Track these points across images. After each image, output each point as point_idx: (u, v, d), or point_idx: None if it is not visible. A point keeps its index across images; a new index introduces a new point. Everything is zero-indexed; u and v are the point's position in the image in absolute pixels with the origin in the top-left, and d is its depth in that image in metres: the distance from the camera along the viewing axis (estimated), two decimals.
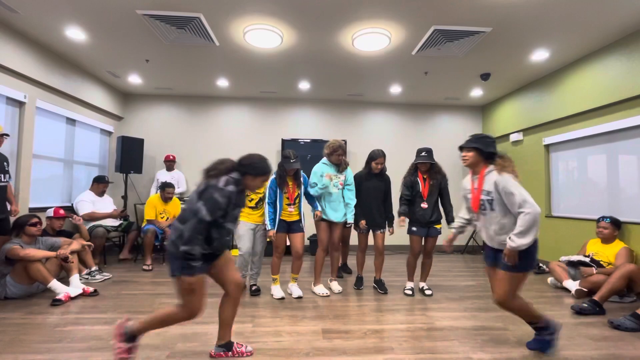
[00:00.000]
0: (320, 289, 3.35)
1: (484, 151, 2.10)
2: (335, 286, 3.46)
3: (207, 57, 4.30)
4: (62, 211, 3.69)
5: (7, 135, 3.18)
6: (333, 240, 3.43)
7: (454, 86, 5.26)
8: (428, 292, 3.40)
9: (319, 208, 3.35)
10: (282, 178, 3.15)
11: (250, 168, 1.90)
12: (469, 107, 6.35)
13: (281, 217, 3.20)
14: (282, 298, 3.17)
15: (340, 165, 3.39)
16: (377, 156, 3.43)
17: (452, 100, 6.03)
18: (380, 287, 3.47)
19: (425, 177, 3.37)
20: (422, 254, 3.48)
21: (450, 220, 3.28)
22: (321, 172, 3.34)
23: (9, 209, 3.28)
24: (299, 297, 3.19)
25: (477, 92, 5.52)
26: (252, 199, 3.26)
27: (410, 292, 3.38)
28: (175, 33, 3.63)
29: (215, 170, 1.85)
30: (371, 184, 3.49)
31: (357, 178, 3.55)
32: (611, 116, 3.85)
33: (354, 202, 3.43)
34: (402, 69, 4.62)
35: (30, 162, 3.94)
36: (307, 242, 5.72)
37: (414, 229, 3.37)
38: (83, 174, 5.10)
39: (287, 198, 3.20)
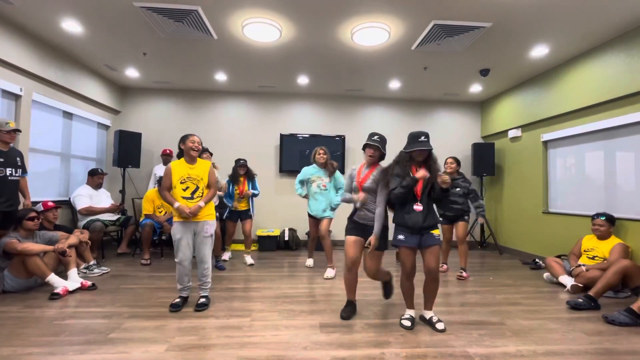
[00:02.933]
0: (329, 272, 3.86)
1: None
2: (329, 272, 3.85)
3: (205, 50, 4.27)
4: (50, 203, 3.67)
5: (19, 130, 3.21)
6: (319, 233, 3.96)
7: (453, 82, 5.25)
8: (439, 325, 2.42)
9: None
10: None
11: None
12: (468, 103, 6.34)
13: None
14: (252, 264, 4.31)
15: (326, 168, 3.99)
16: None
17: (451, 96, 6.02)
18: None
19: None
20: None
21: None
22: (302, 174, 4.08)
23: (21, 203, 3.31)
24: (252, 265, 4.27)
25: (476, 88, 5.51)
26: (188, 187, 2.60)
27: (408, 324, 2.43)
28: (172, 26, 3.59)
29: None
30: None
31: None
32: (609, 113, 3.85)
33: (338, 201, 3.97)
34: (401, 64, 4.60)
35: (27, 155, 3.91)
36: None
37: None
38: (80, 168, 5.08)
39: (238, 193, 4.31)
